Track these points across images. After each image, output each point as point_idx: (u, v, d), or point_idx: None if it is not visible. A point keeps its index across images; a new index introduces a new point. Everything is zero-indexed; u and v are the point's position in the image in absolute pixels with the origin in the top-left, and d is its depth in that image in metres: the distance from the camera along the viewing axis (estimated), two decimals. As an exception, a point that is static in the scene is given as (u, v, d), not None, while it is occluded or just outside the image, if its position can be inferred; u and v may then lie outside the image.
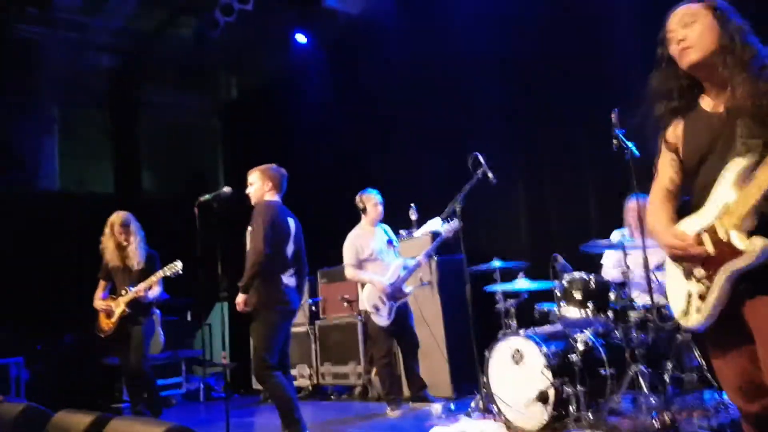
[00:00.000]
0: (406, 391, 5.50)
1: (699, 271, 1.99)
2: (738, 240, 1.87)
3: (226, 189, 4.53)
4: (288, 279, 4.44)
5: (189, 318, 8.58)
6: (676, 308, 2.09)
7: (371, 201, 5.53)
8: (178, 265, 5.16)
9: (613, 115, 3.81)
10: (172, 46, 8.28)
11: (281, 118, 8.53)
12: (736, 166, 1.92)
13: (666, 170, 2.19)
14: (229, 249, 5.76)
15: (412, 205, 6.04)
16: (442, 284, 5.75)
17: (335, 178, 7.56)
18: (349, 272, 5.44)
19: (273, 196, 4.56)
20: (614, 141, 3.79)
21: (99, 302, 5.37)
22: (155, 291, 5.29)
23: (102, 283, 5.45)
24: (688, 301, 2.02)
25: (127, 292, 5.23)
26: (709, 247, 1.94)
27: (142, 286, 5.17)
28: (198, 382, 7.91)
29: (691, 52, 2.02)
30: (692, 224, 2.04)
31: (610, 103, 3.86)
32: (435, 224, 5.73)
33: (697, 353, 3.97)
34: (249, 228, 4.45)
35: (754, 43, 2.02)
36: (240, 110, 9.62)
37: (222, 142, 10.11)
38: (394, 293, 5.31)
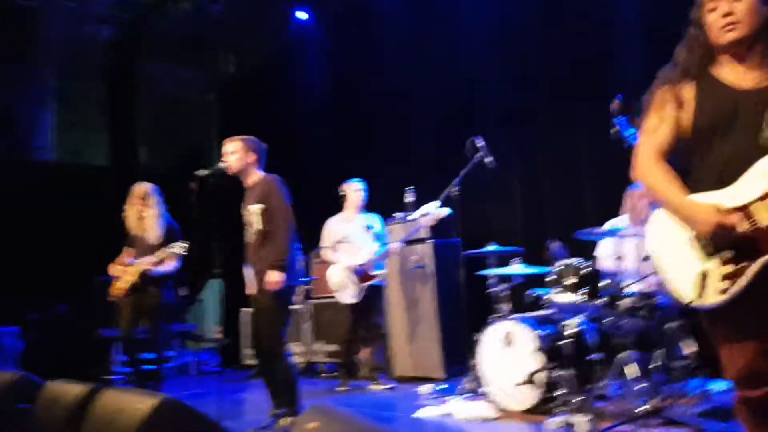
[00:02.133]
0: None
1: (729, 253, 1.95)
2: None
3: (223, 165, 4.47)
4: (298, 256, 4.45)
5: (185, 293, 8.59)
6: (683, 287, 2.03)
7: (351, 188, 5.79)
8: (184, 246, 5.09)
9: (614, 103, 3.80)
10: (171, 20, 8.19)
11: (279, 95, 8.48)
12: None
13: (663, 129, 2.12)
14: (223, 226, 5.80)
15: (410, 187, 6.04)
16: (438, 267, 5.77)
17: (333, 157, 7.55)
18: (323, 253, 5.86)
19: (259, 169, 4.44)
20: (613, 129, 3.79)
21: (114, 266, 5.36)
22: (168, 265, 5.22)
23: (126, 250, 5.40)
24: (702, 281, 1.97)
25: (141, 263, 5.22)
26: (746, 228, 1.93)
27: (148, 260, 5.15)
28: (190, 356, 7.96)
29: (738, 28, 1.98)
30: (716, 199, 1.99)
31: (610, 90, 3.84)
32: (431, 208, 5.74)
33: (686, 342, 4.00)
34: (255, 205, 4.32)
35: None
36: (238, 86, 9.56)
37: (219, 118, 10.05)
38: (363, 274, 5.57)
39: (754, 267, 1.91)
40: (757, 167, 1.93)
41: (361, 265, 5.59)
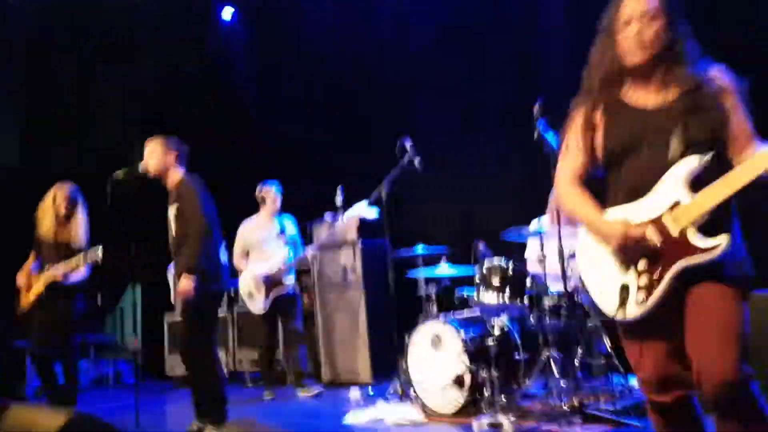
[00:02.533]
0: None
1: (643, 264, 2.01)
2: (698, 237, 1.93)
3: (142, 166, 4.29)
4: (223, 257, 4.29)
5: (99, 301, 8.22)
6: (607, 301, 2.09)
7: (270, 194, 5.67)
8: (98, 252, 4.77)
9: (536, 106, 3.88)
10: (90, 17, 7.84)
11: (203, 96, 8.25)
12: (686, 165, 1.97)
13: (579, 152, 2.21)
14: (143, 228, 5.57)
15: (339, 188, 5.98)
16: (366, 269, 5.74)
17: (260, 160, 7.40)
18: (234, 260, 5.63)
19: (179, 169, 4.26)
20: (536, 131, 3.87)
21: (21, 277, 5.00)
22: (79, 274, 4.87)
23: (33, 256, 5.05)
24: (623, 294, 2.02)
25: (49, 268, 4.86)
26: (657, 239, 1.99)
27: (61, 268, 4.82)
28: (108, 367, 7.60)
29: (647, 50, 2.04)
30: (629, 214, 2.06)
31: (535, 92, 3.93)
32: (361, 208, 5.71)
33: (605, 340, 4.13)
34: (173, 207, 4.17)
35: (695, 48, 2.08)
36: (161, 87, 9.24)
37: (141, 119, 9.69)
38: (271, 282, 5.46)
39: (667, 276, 1.97)
40: (665, 180, 2.01)
41: (269, 273, 5.46)
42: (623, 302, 2.01)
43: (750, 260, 2.03)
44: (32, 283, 4.92)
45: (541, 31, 5.43)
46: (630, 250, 2.02)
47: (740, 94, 2.06)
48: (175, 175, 4.24)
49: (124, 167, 4.36)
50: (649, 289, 1.99)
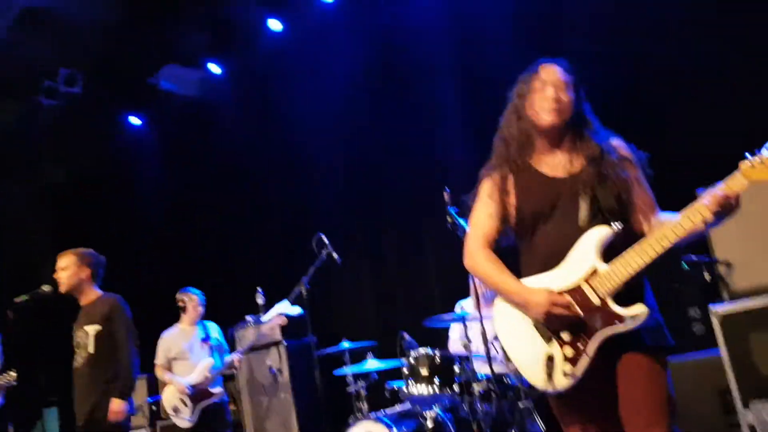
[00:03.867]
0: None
1: (566, 334, 2.02)
2: (617, 306, 1.97)
3: (45, 288, 4.13)
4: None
5: (11, 429, 7.58)
6: (535, 374, 2.06)
7: (193, 302, 5.46)
8: (12, 375, 4.48)
9: (445, 194, 3.97)
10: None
11: (117, 202, 8.07)
12: (598, 232, 2.03)
13: (489, 220, 2.23)
14: (51, 350, 5.25)
15: (259, 288, 5.86)
16: (293, 370, 5.57)
17: (172, 265, 7.19)
18: (157, 372, 5.38)
19: (94, 286, 4.17)
20: (448, 218, 3.95)
21: None
22: None
23: None
24: (549, 365, 2.01)
25: None
26: (578, 308, 2.00)
27: None
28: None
29: (561, 113, 2.13)
30: (545, 283, 2.06)
31: (443, 181, 4.04)
32: (283, 307, 5.59)
33: (537, 420, 4.11)
34: (90, 327, 4.01)
35: (597, 120, 2.22)
36: (71, 196, 8.97)
37: (51, 232, 9.30)
38: (197, 394, 5.18)
39: (592, 346, 1.99)
40: (578, 248, 2.04)
41: (194, 385, 5.16)
42: (550, 374, 2.00)
43: (664, 327, 2.08)
44: None
45: (441, 121, 5.67)
46: (553, 320, 2.01)
47: (641, 164, 2.17)
48: (92, 292, 4.14)
49: (25, 293, 4.15)
50: (575, 359, 1.99)
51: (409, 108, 5.87)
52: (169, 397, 5.27)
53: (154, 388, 6.51)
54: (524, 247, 2.20)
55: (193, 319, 5.46)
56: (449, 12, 5.62)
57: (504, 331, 2.18)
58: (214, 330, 5.56)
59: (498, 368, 4.08)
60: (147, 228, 7.73)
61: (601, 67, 4.56)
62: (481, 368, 4.33)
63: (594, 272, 2.01)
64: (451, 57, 5.66)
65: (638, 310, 1.97)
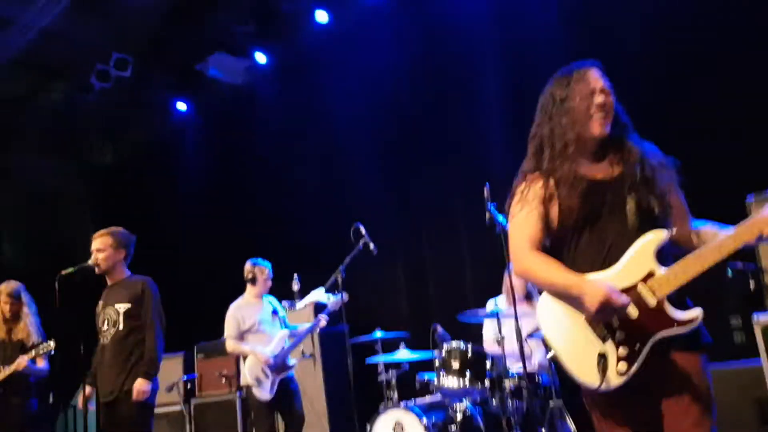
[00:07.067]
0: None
1: (621, 333, 2.01)
2: (674, 309, 1.99)
3: (92, 261, 4.22)
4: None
5: (51, 400, 7.84)
6: (585, 371, 2.04)
7: (264, 274, 5.25)
8: (51, 345, 4.68)
9: (485, 189, 3.97)
10: (41, 111, 7.85)
11: (159, 185, 8.26)
12: (656, 237, 2.03)
13: (534, 224, 2.17)
14: (92, 324, 5.40)
15: (296, 275, 5.93)
16: (325, 357, 5.64)
17: (214, 247, 7.34)
18: (230, 345, 5.12)
19: (124, 265, 4.26)
20: (487, 214, 3.95)
21: None
22: (41, 370, 4.81)
23: None
24: (602, 363, 2.00)
25: (2, 369, 4.72)
26: (635, 308, 2.00)
27: (13, 367, 4.68)
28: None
29: (609, 119, 2.12)
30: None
31: (484, 176, 4.03)
32: (318, 294, 5.63)
33: (568, 420, 4.09)
34: (120, 305, 4.11)
35: (629, 122, 2.20)
36: (114, 177, 9.21)
37: (92, 211, 9.55)
38: (278, 365, 5.04)
39: (647, 346, 1.99)
40: (633, 250, 2.04)
41: (275, 356, 4.99)
42: (605, 372, 1.99)
43: (702, 326, 2.06)
44: None
45: (482, 117, 5.66)
46: (608, 314, 1.98)
47: (675, 170, 2.16)
48: (123, 272, 4.24)
49: (72, 266, 4.27)
50: (630, 358, 1.99)
51: (451, 103, 5.88)
52: (253, 368, 5.01)
53: (190, 366, 6.66)
54: (568, 251, 2.17)
55: (261, 292, 5.26)
56: (494, 10, 5.62)
57: (553, 334, 2.14)
58: (279, 305, 5.46)
59: (530, 366, 4.08)
60: (188, 211, 7.89)
61: (648, 67, 4.51)
62: (513, 365, 4.34)
63: (650, 274, 2.01)
64: (495, 54, 5.66)
65: (694, 314, 1.99)
